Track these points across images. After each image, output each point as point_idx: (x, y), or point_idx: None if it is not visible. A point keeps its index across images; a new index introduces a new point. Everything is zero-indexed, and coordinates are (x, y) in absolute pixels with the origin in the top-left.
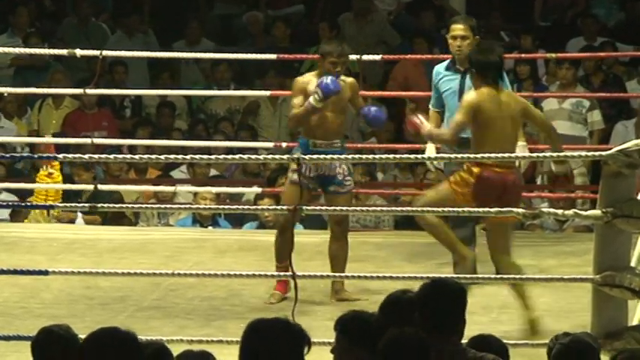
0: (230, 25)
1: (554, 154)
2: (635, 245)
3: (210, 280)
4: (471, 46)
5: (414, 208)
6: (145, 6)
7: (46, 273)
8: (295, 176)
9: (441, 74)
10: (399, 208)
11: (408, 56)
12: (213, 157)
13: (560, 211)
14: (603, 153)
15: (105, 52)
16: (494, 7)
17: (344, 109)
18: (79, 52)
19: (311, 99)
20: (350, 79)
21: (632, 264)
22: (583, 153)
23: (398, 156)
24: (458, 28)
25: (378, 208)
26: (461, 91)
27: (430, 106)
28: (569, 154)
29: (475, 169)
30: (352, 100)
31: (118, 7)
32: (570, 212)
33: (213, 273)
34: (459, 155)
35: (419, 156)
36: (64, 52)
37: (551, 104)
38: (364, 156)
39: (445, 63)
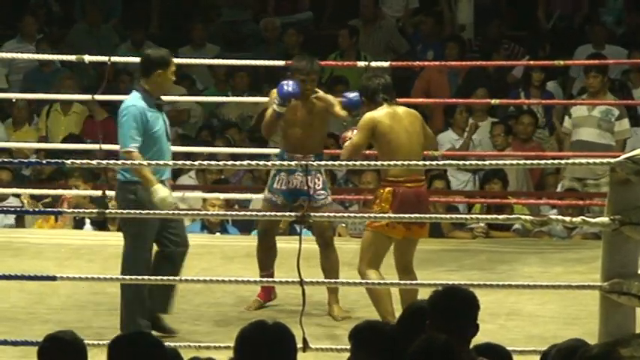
0: (236, 32)
1: (563, 162)
2: None
3: (218, 286)
4: None
5: (420, 215)
6: (153, 12)
7: (53, 279)
8: (267, 193)
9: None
10: (406, 215)
11: (416, 63)
12: (221, 163)
13: (568, 219)
14: (612, 160)
15: (113, 58)
16: (502, 15)
17: (318, 125)
18: (87, 57)
19: (274, 105)
20: (324, 95)
21: None
22: (591, 160)
23: (412, 162)
24: None
25: (379, 215)
26: None
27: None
28: (577, 161)
29: (388, 189)
30: (332, 111)
31: (127, 12)
32: (578, 219)
33: (220, 279)
34: (467, 162)
35: (427, 162)
36: (72, 57)
37: (580, 111)
38: (366, 162)
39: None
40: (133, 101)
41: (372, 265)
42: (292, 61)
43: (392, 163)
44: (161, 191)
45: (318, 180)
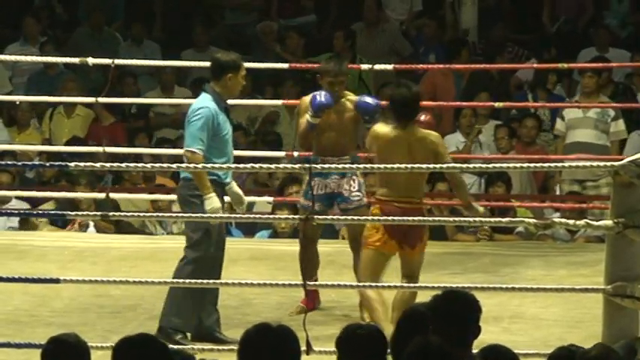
0: (240, 35)
1: (566, 165)
2: None
3: (222, 288)
4: None
5: (425, 218)
6: (156, 14)
7: (57, 281)
8: (303, 201)
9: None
10: (409, 218)
11: (420, 66)
12: (224, 165)
13: (571, 222)
14: (615, 163)
15: (117, 61)
16: (505, 18)
17: (349, 127)
18: (91, 60)
19: (308, 116)
20: (355, 97)
21: None
22: (595, 163)
23: (416, 165)
24: None
25: (388, 218)
26: None
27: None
28: (580, 164)
29: (377, 207)
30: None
31: (130, 15)
32: (582, 222)
33: (224, 282)
34: (472, 165)
35: (430, 165)
36: (76, 60)
37: (575, 113)
38: (375, 165)
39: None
40: (205, 102)
41: (371, 282)
42: (322, 62)
43: (395, 165)
44: (215, 202)
45: (354, 182)
